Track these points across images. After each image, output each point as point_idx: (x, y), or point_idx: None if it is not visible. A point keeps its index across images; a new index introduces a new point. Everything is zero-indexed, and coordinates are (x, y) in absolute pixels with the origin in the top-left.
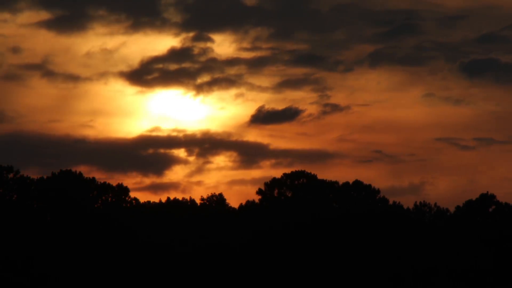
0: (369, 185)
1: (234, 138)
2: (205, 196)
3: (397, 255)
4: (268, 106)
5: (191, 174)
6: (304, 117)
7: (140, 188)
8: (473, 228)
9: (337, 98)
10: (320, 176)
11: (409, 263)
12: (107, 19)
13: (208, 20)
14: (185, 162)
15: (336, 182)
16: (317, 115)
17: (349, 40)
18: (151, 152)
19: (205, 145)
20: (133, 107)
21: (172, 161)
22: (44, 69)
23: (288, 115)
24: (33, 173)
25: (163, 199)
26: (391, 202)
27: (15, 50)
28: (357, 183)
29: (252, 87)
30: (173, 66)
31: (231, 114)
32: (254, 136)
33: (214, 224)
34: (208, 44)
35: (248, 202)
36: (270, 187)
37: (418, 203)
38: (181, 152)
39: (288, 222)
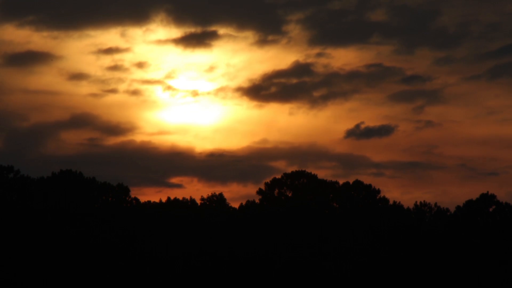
0: (369, 185)
1: (337, 151)
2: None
3: (398, 255)
4: (373, 121)
5: None
6: (400, 132)
7: (235, 198)
8: (474, 228)
9: (449, 112)
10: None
11: (409, 263)
12: (234, 36)
13: (332, 36)
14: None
15: (336, 182)
16: (418, 128)
17: (470, 56)
18: (253, 164)
19: (308, 156)
20: (247, 121)
21: (271, 172)
22: (165, 84)
23: (383, 131)
24: (33, 173)
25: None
26: (391, 202)
27: (141, 65)
28: (357, 183)
29: (367, 102)
30: (291, 81)
31: (340, 127)
32: (356, 148)
33: (215, 224)
34: (330, 60)
35: (248, 202)
36: (270, 187)
37: (418, 203)
38: (281, 164)
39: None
